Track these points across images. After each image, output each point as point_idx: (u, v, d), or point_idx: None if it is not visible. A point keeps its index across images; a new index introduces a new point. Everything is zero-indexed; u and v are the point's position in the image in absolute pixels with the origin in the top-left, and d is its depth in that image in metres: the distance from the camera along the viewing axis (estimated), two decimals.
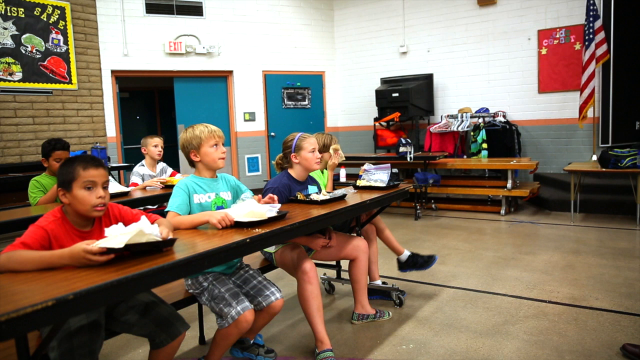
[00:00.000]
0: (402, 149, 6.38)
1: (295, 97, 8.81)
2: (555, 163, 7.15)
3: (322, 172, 3.38)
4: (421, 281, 3.70)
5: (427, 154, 6.66)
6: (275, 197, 2.35)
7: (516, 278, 3.70)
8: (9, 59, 6.14)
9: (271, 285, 2.34)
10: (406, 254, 3.41)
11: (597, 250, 4.37)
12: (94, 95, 6.99)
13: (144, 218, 1.78)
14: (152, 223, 1.80)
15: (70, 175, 1.76)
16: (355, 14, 8.84)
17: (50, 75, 6.50)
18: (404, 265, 3.42)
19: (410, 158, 6.30)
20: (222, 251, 1.78)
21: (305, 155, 2.74)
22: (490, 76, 7.58)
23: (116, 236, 1.58)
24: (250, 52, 8.24)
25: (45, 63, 6.44)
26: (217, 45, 7.87)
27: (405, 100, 7.47)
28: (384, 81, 8.15)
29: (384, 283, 3.38)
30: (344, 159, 3.36)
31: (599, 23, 6.32)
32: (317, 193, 2.78)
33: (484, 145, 6.93)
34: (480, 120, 7.19)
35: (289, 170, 2.83)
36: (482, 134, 6.95)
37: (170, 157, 7.48)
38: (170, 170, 4.40)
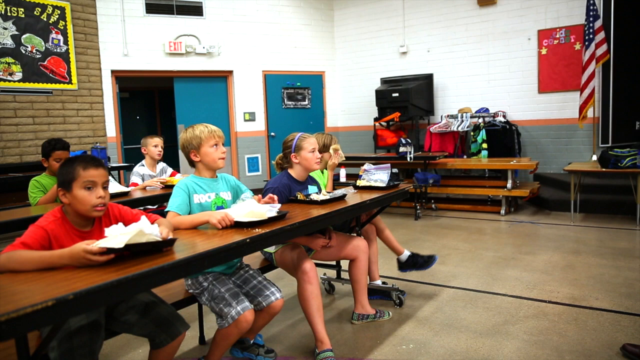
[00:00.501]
0: (402, 149, 6.38)
1: (295, 97, 8.81)
2: (555, 163, 7.15)
3: (322, 172, 3.38)
4: (421, 281, 3.70)
5: (427, 154, 6.66)
6: (275, 197, 2.35)
7: (516, 278, 3.70)
8: (9, 59, 6.14)
9: (271, 285, 2.34)
10: (406, 254, 3.41)
11: (597, 250, 4.37)
12: (94, 95, 6.99)
13: (144, 218, 1.78)
14: (152, 223, 1.80)
15: (70, 175, 1.76)
16: (355, 14, 8.84)
17: (50, 75, 6.50)
18: (404, 265, 3.42)
19: (410, 158, 6.30)
20: (222, 251, 1.78)
21: (305, 155, 2.74)
22: (490, 76, 7.58)
23: (116, 236, 1.58)
24: (250, 52, 8.24)
25: (45, 63, 6.44)
26: (217, 45, 7.87)
27: (405, 100, 7.47)
28: (384, 81, 8.15)
29: (384, 283, 3.38)
30: (344, 159, 3.36)
31: (599, 23, 6.32)
32: (317, 193, 2.78)
33: (484, 145, 6.93)
34: (480, 120, 7.19)
35: (289, 170, 2.83)
36: (482, 134, 6.95)
37: (170, 157, 7.48)
38: (170, 170, 4.40)
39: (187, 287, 2.33)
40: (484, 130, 6.96)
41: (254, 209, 2.12)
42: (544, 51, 7.10)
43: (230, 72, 8.14)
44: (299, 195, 2.68)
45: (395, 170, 3.21)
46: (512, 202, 6.31)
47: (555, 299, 3.24)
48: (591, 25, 6.31)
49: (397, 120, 7.61)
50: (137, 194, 3.61)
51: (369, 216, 3.31)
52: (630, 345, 2.45)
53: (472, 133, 7.18)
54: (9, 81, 6.15)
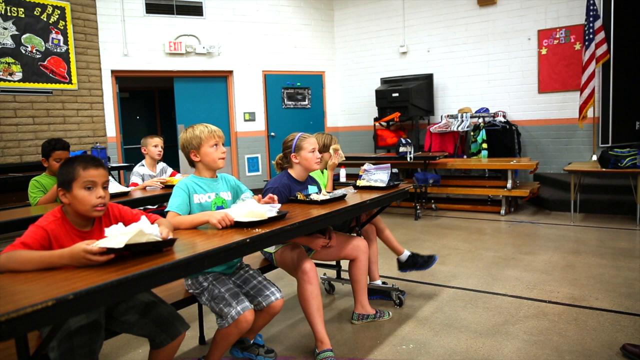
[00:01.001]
0: (402, 149, 6.38)
1: (295, 97, 8.81)
2: (555, 163, 7.15)
3: (322, 172, 3.38)
4: (421, 281, 3.70)
5: (427, 154, 6.66)
6: (275, 197, 2.35)
7: (516, 278, 3.70)
8: (9, 59, 6.14)
9: (271, 285, 2.34)
10: (406, 254, 3.41)
11: (597, 250, 4.37)
12: (94, 95, 6.99)
13: (144, 218, 1.78)
14: (152, 223, 1.80)
15: (70, 175, 1.76)
16: (355, 14, 8.84)
17: (50, 75, 6.50)
18: (404, 266, 3.42)
19: (410, 158, 6.30)
20: (222, 251, 1.78)
21: (305, 155, 2.74)
22: (490, 76, 7.58)
23: (116, 236, 1.58)
24: (250, 52, 8.24)
25: (45, 63, 6.44)
26: (217, 45, 7.87)
27: (405, 100, 7.47)
28: (384, 81, 8.15)
29: (384, 283, 3.38)
30: (344, 159, 3.36)
31: (599, 23, 6.33)
32: (317, 193, 2.78)
33: (484, 145, 6.93)
34: (480, 120, 7.19)
35: (289, 170, 2.83)
36: (482, 134, 6.95)
37: (170, 157, 7.48)
38: (170, 170, 4.39)
39: (187, 287, 2.33)
40: (484, 130, 6.96)
41: (254, 209, 2.12)
42: (544, 51, 7.10)
43: (230, 72, 8.14)
44: (299, 195, 2.68)
45: (395, 170, 3.22)
46: (512, 202, 6.31)
47: (555, 299, 3.24)
48: (591, 25, 6.31)
49: (397, 120, 7.61)
50: (137, 194, 3.61)
51: (369, 216, 3.31)
52: (630, 345, 2.45)
53: (472, 133, 7.18)
54: (9, 81, 6.15)
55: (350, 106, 9.10)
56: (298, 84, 8.79)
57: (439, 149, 7.41)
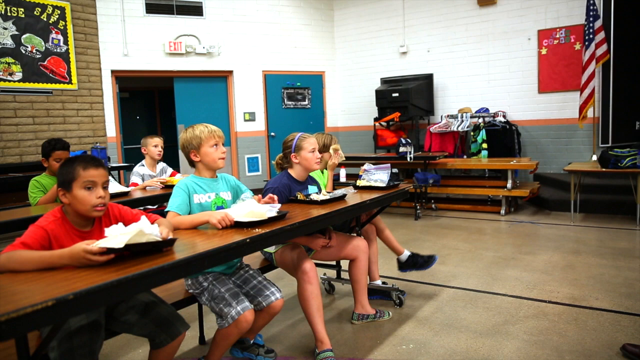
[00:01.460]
0: (402, 149, 6.38)
1: (295, 97, 8.81)
2: (555, 163, 7.15)
3: (322, 172, 3.38)
4: (421, 281, 3.69)
5: (427, 154, 6.66)
6: (275, 197, 2.35)
7: (516, 278, 3.70)
8: (9, 59, 6.14)
9: (271, 285, 2.34)
10: (406, 254, 3.41)
11: (597, 250, 4.37)
12: (94, 95, 6.99)
13: (144, 218, 1.78)
14: (152, 223, 1.80)
15: (71, 175, 1.76)
16: (355, 14, 8.84)
17: (50, 75, 6.50)
18: (403, 265, 3.42)
19: (410, 158, 6.30)
20: (222, 251, 1.78)
21: (305, 155, 2.74)
22: (490, 76, 7.58)
23: (116, 236, 1.58)
24: (250, 52, 8.24)
25: (45, 63, 6.44)
26: (217, 45, 7.87)
27: (405, 100, 7.47)
28: (384, 81, 8.15)
29: (384, 283, 3.38)
30: (344, 159, 3.36)
31: (599, 23, 6.32)
32: (317, 193, 2.78)
33: (484, 145, 6.93)
34: (480, 120, 7.19)
35: (289, 170, 2.83)
36: (482, 134, 6.95)
37: (170, 157, 7.48)
38: (170, 170, 4.39)
39: (187, 287, 2.32)
40: (484, 130, 6.96)
41: (254, 209, 2.12)
42: (544, 51, 7.10)
43: (230, 72, 8.14)
44: (299, 195, 2.68)
45: (395, 170, 3.22)
46: (512, 202, 6.31)
47: (555, 299, 3.24)
48: (591, 25, 6.31)
49: (397, 120, 7.61)
50: (137, 194, 3.61)
51: (369, 216, 3.31)
52: (631, 345, 2.45)
53: (472, 133, 7.17)
54: (9, 81, 6.15)
55: (350, 106, 9.10)
56: (298, 84, 8.79)
57: (439, 149, 7.41)
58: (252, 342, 2.56)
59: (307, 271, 2.51)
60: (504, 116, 7.20)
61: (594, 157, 6.59)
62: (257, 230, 1.99)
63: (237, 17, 8.08)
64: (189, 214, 2.22)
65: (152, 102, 10.73)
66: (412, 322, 2.97)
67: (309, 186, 2.86)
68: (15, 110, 6.22)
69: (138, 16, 7.35)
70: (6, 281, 1.47)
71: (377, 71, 8.54)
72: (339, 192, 2.77)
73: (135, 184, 4.04)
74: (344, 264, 3.32)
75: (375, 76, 8.47)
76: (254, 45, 8.25)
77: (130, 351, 2.70)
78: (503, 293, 3.40)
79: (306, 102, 8.92)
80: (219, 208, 2.29)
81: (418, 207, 6.18)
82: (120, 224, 1.69)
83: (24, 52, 6.25)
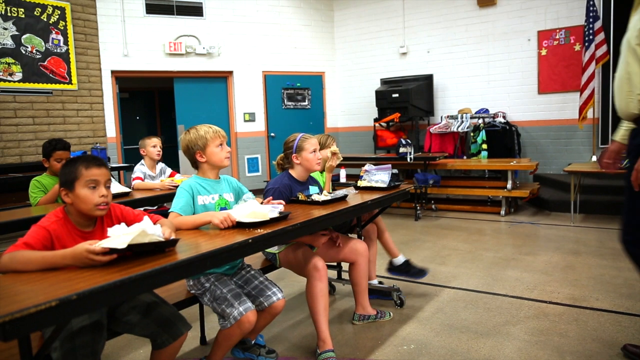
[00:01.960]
0: (402, 150, 6.38)
1: (295, 98, 8.81)
2: (555, 164, 7.16)
3: (321, 173, 3.38)
4: (422, 282, 3.69)
5: (427, 155, 6.67)
6: (282, 205, 2.35)
7: (516, 279, 3.70)
8: (9, 59, 6.14)
9: (273, 285, 2.34)
10: (401, 258, 3.40)
11: (597, 250, 4.38)
12: (94, 96, 6.99)
13: (146, 218, 1.78)
14: (155, 223, 1.80)
15: (73, 175, 1.77)
16: (355, 14, 8.85)
17: (50, 75, 6.50)
18: (396, 269, 3.42)
19: (411, 159, 6.31)
20: (225, 251, 1.78)
21: (307, 156, 2.74)
22: (490, 77, 7.59)
23: (119, 236, 1.58)
24: (250, 53, 8.24)
25: (45, 63, 6.44)
26: (217, 46, 7.87)
27: (405, 100, 7.48)
28: (384, 82, 8.16)
29: (380, 282, 3.38)
30: (341, 159, 3.36)
31: (598, 24, 6.33)
32: (318, 193, 2.78)
33: (484, 146, 6.94)
34: (480, 120, 7.20)
35: (290, 171, 2.83)
36: (482, 135, 6.95)
37: (169, 158, 7.48)
38: (169, 170, 4.39)
39: (189, 288, 2.32)
40: (483, 130, 6.96)
41: (256, 209, 2.12)
42: (543, 52, 7.11)
43: (230, 72, 8.15)
44: (300, 196, 2.68)
45: (395, 170, 3.23)
46: (512, 202, 6.31)
47: (556, 300, 3.24)
48: (591, 26, 6.32)
49: (397, 120, 7.62)
50: (138, 195, 3.62)
51: (370, 216, 3.31)
52: (632, 345, 2.46)
53: (472, 134, 7.18)
54: (9, 81, 6.14)
55: (350, 107, 9.11)
56: (298, 84, 8.79)
57: (438, 150, 7.41)
58: (253, 342, 2.56)
59: (319, 268, 2.51)
60: (504, 117, 7.21)
61: (594, 158, 6.60)
62: (259, 230, 2.00)
63: (237, 18, 8.08)
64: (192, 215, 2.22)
65: (152, 103, 10.74)
66: (413, 323, 2.97)
67: (310, 187, 2.86)
68: (15, 110, 6.22)
69: (138, 16, 7.35)
70: (9, 281, 1.47)
71: (377, 72, 8.55)
72: (340, 192, 2.77)
73: (140, 178, 4.03)
74: (345, 265, 3.32)
75: (375, 77, 8.47)
76: (254, 45, 8.25)
77: (131, 351, 2.70)
78: (503, 294, 3.40)
79: (306, 103, 8.92)
80: (222, 209, 2.28)
81: (418, 207, 6.18)
82: (123, 224, 1.70)
83: (24, 52, 6.25)
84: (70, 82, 6.70)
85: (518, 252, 4.42)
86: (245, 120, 8.32)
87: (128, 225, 1.72)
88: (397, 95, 7.57)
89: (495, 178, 6.77)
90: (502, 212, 6.10)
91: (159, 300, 2.00)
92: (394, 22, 8.40)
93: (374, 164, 3.36)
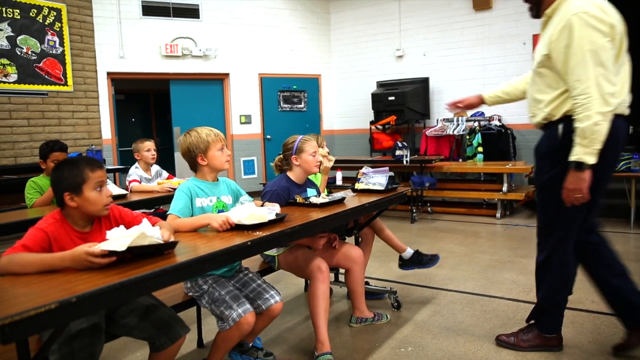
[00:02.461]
0: (398, 152, 6.40)
1: (292, 100, 8.82)
2: None
3: (315, 175, 3.38)
4: (418, 284, 3.70)
5: (423, 158, 6.69)
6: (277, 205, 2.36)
7: (513, 281, 3.72)
8: (4, 61, 6.10)
9: (270, 288, 2.34)
10: (409, 251, 3.37)
11: None
12: (89, 97, 6.96)
13: (145, 220, 1.78)
14: (153, 225, 1.80)
15: (80, 178, 1.76)
16: (351, 17, 8.87)
17: (46, 77, 6.48)
18: (407, 263, 3.36)
19: (407, 161, 6.32)
20: (224, 254, 1.78)
21: (306, 158, 2.75)
22: (485, 80, 7.62)
23: (118, 238, 1.58)
24: (247, 55, 8.24)
25: (40, 65, 6.42)
26: (213, 48, 7.87)
27: (401, 103, 7.50)
28: (380, 84, 8.18)
29: (366, 283, 3.37)
30: (333, 160, 3.35)
31: None
32: (316, 196, 2.78)
33: (480, 149, 6.97)
34: (476, 124, 7.22)
35: (288, 173, 2.84)
36: (478, 138, 6.98)
37: (165, 160, 7.46)
38: (165, 173, 4.37)
39: (187, 290, 2.32)
40: (479, 133, 6.99)
41: (254, 211, 2.12)
42: None
43: (227, 74, 8.14)
44: (297, 198, 2.68)
45: (391, 173, 3.25)
46: (507, 205, 6.34)
47: None
48: None
49: (393, 123, 7.64)
50: (135, 197, 3.60)
51: (367, 219, 3.31)
52: (504, 335, 2.66)
53: (467, 137, 7.21)
54: (4, 83, 6.11)
55: (346, 109, 9.12)
56: (294, 86, 8.79)
57: (434, 153, 7.43)
58: (251, 345, 2.55)
59: (323, 270, 2.51)
60: (500, 120, 7.24)
61: None
62: (258, 233, 2.00)
63: (234, 20, 8.09)
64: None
65: (147, 105, 10.72)
66: (410, 325, 2.97)
67: (307, 189, 2.87)
68: (10, 112, 6.18)
69: (134, 18, 7.34)
70: (8, 284, 1.46)
71: (373, 75, 8.56)
72: (338, 195, 2.78)
73: (137, 181, 4.00)
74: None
75: (371, 79, 8.49)
76: (250, 48, 8.26)
77: (128, 354, 2.69)
78: (500, 296, 3.41)
79: (302, 105, 8.93)
80: (220, 212, 2.28)
81: (414, 210, 6.20)
82: (122, 226, 1.70)
83: (19, 53, 6.22)
84: (65, 84, 6.67)
85: (514, 255, 4.44)
86: (241, 123, 8.31)
87: (126, 226, 1.72)
88: (393, 98, 7.59)
89: (491, 181, 6.79)
90: (498, 215, 6.12)
91: (157, 303, 1.99)
92: (390, 25, 8.43)
93: (371, 167, 3.37)
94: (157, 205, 4.02)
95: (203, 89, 8.09)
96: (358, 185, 3.22)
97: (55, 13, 6.53)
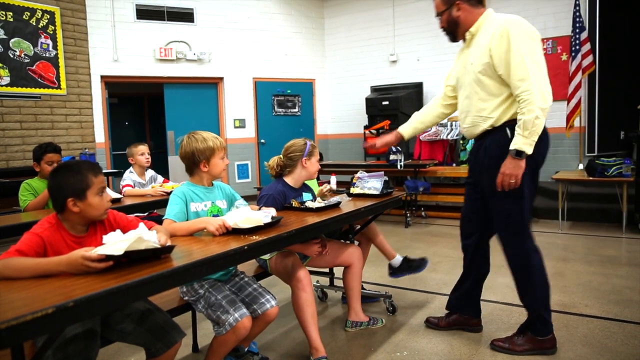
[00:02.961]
0: (392, 157, 6.42)
1: (286, 105, 8.83)
2: (542, 171, 7.08)
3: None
4: (413, 289, 3.71)
5: (417, 162, 6.71)
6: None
7: (507, 285, 3.72)
8: None
9: (266, 292, 2.33)
10: (398, 258, 3.38)
11: (585, 257, 4.43)
12: (83, 101, 6.93)
13: (141, 225, 1.78)
14: (149, 230, 1.79)
15: (84, 184, 1.75)
16: (345, 22, 8.91)
17: (39, 80, 6.44)
18: (397, 270, 3.38)
19: (401, 166, 6.34)
20: (221, 258, 1.77)
21: (314, 162, 2.82)
22: None
23: (115, 243, 1.57)
24: (241, 59, 8.24)
25: (33, 68, 6.38)
26: (207, 52, 7.87)
27: (395, 108, 7.53)
28: (374, 89, 8.21)
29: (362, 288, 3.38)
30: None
31: (584, 35, 6.45)
32: (311, 200, 2.78)
33: None
34: None
35: (284, 178, 2.84)
36: (471, 143, 7.01)
37: (159, 164, 7.42)
38: (160, 178, 4.34)
39: (182, 295, 2.31)
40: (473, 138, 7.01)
41: (250, 215, 2.12)
42: None
43: (221, 78, 8.14)
44: (293, 203, 2.69)
45: (386, 178, 3.26)
46: None
47: None
48: (577, 36, 6.44)
49: (387, 128, 7.65)
50: (128, 201, 3.58)
51: (362, 223, 3.32)
52: (433, 318, 2.94)
53: (461, 141, 7.25)
54: None
55: (340, 114, 9.14)
56: (288, 91, 8.81)
57: (428, 157, 7.47)
58: (246, 349, 2.55)
59: (301, 279, 2.51)
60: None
61: (581, 166, 6.70)
62: (254, 237, 1.99)
63: (228, 24, 8.09)
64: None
65: (141, 108, 10.67)
66: (406, 330, 2.98)
67: (303, 193, 2.87)
68: (2, 115, 6.14)
69: (128, 22, 7.33)
70: (3, 289, 1.45)
71: (367, 79, 8.60)
72: (333, 199, 2.79)
73: (130, 185, 3.98)
74: (337, 272, 3.32)
75: (365, 84, 8.52)
76: (244, 52, 8.26)
77: (122, 359, 2.66)
78: (495, 300, 3.43)
79: (296, 110, 8.94)
80: (214, 217, 2.28)
81: (408, 214, 6.21)
82: (118, 230, 1.69)
83: (12, 56, 6.19)
84: (59, 87, 6.64)
85: None
86: (235, 127, 8.31)
87: (122, 230, 1.71)
88: (387, 102, 7.62)
89: None
90: None
91: (153, 308, 1.98)
92: (384, 30, 8.48)
93: (366, 171, 3.38)
94: (150, 210, 4.00)
95: (197, 93, 8.08)
96: (353, 190, 3.23)
97: (48, 16, 6.51)
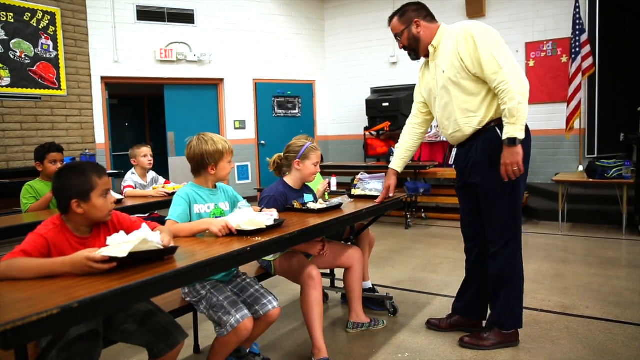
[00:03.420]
0: (392, 159, 6.41)
1: (286, 106, 8.83)
2: (542, 173, 7.25)
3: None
4: (414, 290, 3.72)
5: (417, 164, 6.72)
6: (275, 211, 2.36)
7: None
8: None
9: (268, 293, 2.34)
10: (368, 284, 3.35)
11: (585, 259, 4.44)
12: (83, 102, 6.93)
13: (144, 226, 1.78)
14: (152, 231, 1.79)
15: (88, 185, 1.76)
16: (346, 24, 8.92)
17: (39, 80, 6.44)
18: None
19: None
20: (224, 259, 1.77)
21: (308, 165, 2.78)
22: None
23: (119, 244, 1.57)
24: (241, 61, 8.25)
25: (34, 68, 6.39)
26: (208, 53, 7.87)
27: (395, 110, 7.54)
28: (374, 91, 8.22)
29: (373, 286, 3.37)
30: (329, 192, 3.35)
31: (584, 37, 6.46)
32: (313, 202, 2.79)
33: None
34: None
35: (285, 178, 2.85)
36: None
37: (159, 166, 7.42)
38: (162, 179, 4.34)
39: (184, 296, 2.31)
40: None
41: (253, 217, 2.12)
42: (531, 63, 7.23)
43: (221, 80, 8.15)
44: (295, 204, 2.69)
45: None
46: None
47: (547, 308, 3.28)
48: (577, 38, 6.45)
49: (387, 129, 7.67)
50: (130, 202, 3.58)
51: (362, 225, 3.32)
52: (434, 319, 2.98)
53: None
54: None
55: (340, 115, 9.15)
56: (288, 92, 8.82)
57: (428, 159, 7.47)
58: (248, 351, 2.55)
59: (314, 276, 2.51)
60: None
61: (581, 168, 6.71)
62: (257, 238, 2.00)
63: (229, 26, 8.10)
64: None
65: (141, 109, 10.68)
66: (407, 331, 2.98)
67: (304, 195, 2.88)
68: (2, 115, 6.14)
69: (129, 23, 7.33)
70: (7, 289, 1.45)
71: (367, 81, 8.61)
72: (335, 201, 2.79)
73: (131, 186, 3.99)
74: (338, 273, 3.32)
75: (366, 86, 8.53)
76: (245, 53, 8.27)
77: None
78: None
79: (296, 111, 8.95)
80: (217, 218, 2.28)
81: (408, 216, 6.22)
82: (122, 232, 1.69)
83: (12, 57, 6.19)
84: (59, 88, 6.64)
85: None
86: (235, 128, 8.31)
87: (125, 231, 1.71)
88: (387, 104, 7.62)
89: None
90: None
91: (155, 309, 1.98)
92: (385, 32, 8.47)
93: (367, 173, 3.38)
94: (151, 211, 4.01)
95: (197, 94, 8.09)
96: (355, 191, 3.23)
97: (49, 17, 6.51)
